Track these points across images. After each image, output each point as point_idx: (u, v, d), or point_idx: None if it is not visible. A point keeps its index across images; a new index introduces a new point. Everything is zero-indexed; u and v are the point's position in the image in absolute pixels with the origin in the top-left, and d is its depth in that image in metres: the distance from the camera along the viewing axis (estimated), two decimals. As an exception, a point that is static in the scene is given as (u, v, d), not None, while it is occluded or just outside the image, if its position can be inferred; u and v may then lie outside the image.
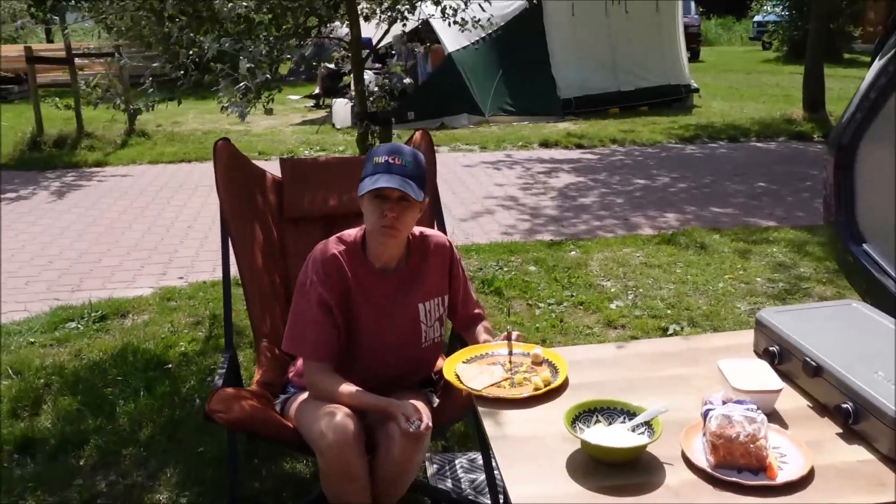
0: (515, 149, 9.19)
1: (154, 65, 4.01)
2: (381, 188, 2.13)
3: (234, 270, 2.69)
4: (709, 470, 1.54)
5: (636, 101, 11.68)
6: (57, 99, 10.16)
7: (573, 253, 5.21)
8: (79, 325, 4.18)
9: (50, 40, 18.84)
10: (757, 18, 24.79)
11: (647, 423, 1.66)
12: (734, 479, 1.50)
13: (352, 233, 2.29)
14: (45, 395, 3.42)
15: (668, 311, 4.20)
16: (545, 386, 1.88)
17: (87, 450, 3.00)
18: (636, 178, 7.75)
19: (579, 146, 9.30)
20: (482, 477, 2.74)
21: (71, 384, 3.49)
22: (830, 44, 16.95)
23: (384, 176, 2.14)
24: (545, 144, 9.37)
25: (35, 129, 9.23)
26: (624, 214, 6.41)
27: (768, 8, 23.01)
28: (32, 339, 4.01)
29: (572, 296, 4.41)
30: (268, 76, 3.32)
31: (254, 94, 3.35)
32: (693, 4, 22.05)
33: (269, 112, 4.10)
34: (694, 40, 20.72)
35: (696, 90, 12.53)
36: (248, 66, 3.36)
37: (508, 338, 2.12)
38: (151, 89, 3.78)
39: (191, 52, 3.60)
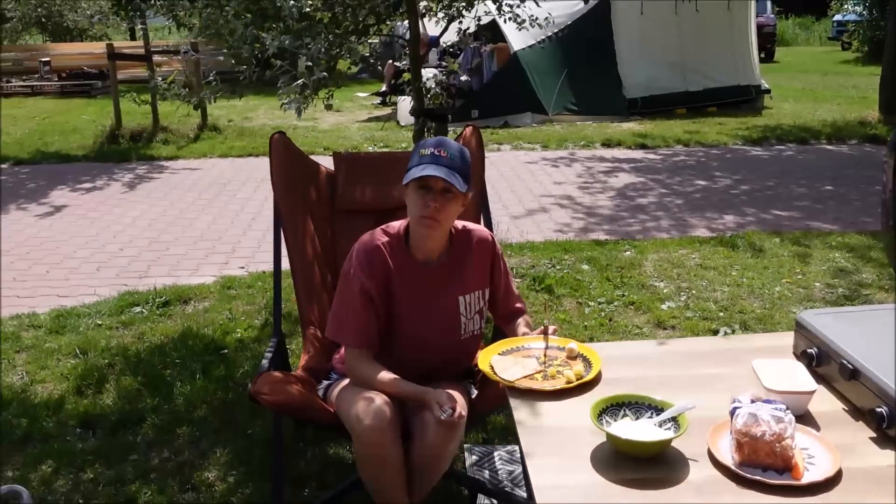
0: (578, 148, 9.14)
1: (220, 59, 4.15)
2: (425, 177, 2.18)
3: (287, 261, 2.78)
4: (733, 468, 1.53)
5: (704, 101, 11.46)
6: (135, 94, 10.58)
7: (628, 253, 5.18)
8: (143, 310, 4.36)
9: (133, 38, 19.58)
10: (837, 18, 23.98)
11: (674, 419, 1.67)
12: (758, 477, 1.50)
13: (396, 224, 2.35)
14: (109, 374, 3.59)
15: (721, 314, 4.14)
16: (577, 380, 1.90)
17: (144, 427, 3.15)
18: (697, 179, 7.63)
19: (642, 146, 9.19)
20: (519, 468, 2.77)
21: (132, 365, 3.65)
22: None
23: (429, 167, 2.19)
24: (608, 144, 9.30)
25: (114, 123, 9.61)
26: (682, 215, 6.32)
27: (849, 7, 22.23)
28: (100, 322, 4.21)
29: (623, 295, 4.39)
30: (325, 74, 3.40)
31: (311, 90, 3.44)
32: (769, 4, 21.47)
33: (328, 108, 4.19)
34: (769, 40, 20.19)
35: (768, 91, 12.21)
36: (307, 63, 3.45)
37: (545, 332, 2.15)
38: (215, 82, 3.92)
39: (253, 49, 3.71)
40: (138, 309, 4.38)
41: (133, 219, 6.46)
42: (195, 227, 6.20)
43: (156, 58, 10.13)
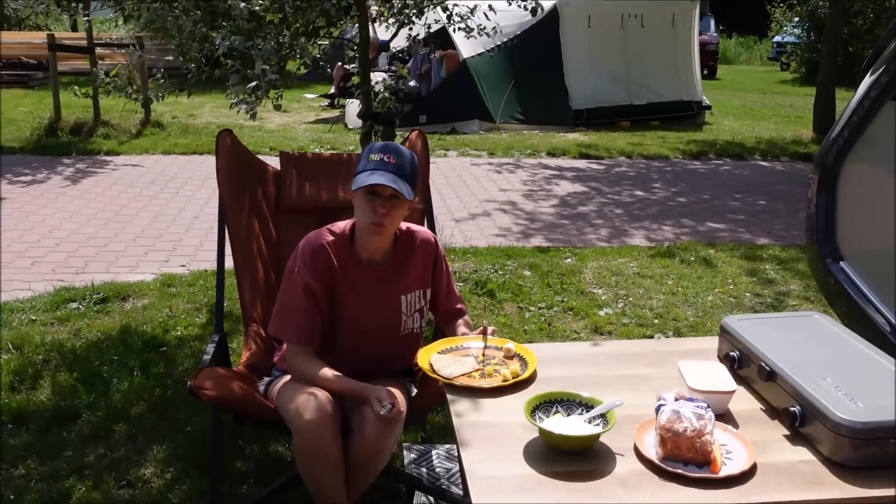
0: (523, 156, 9.28)
1: (167, 57, 4.11)
2: (374, 185, 2.22)
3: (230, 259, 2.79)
4: (656, 461, 1.62)
5: (648, 115, 11.73)
6: (76, 87, 10.32)
7: (568, 260, 5.29)
8: (80, 306, 4.29)
9: (75, 29, 19.10)
10: (777, 39, 24.77)
11: (603, 416, 1.75)
12: (679, 470, 1.58)
13: (341, 224, 2.38)
14: (43, 370, 3.53)
15: (656, 321, 4.27)
16: (513, 378, 1.97)
17: (80, 424, 3.11)
18: (637, 189, 7.83)
19: (586, 156, 9.38)
20: (457, 467, 2.83)
21: (68, 361, 3.60)
22: (847, 67, 16.96)
23: (378, 173, 2.23)
24: (553, 154, 9.46)
25: (53, 116, 9.38)
26: (620, 224, 6.49)
27: (788, 29, 22.99)
28: (34, 317, 4.12)
29: (563, 301, 4.49)
30: (277, 76, 3.41)
31: (263, 92, 3.44)
32: (713, 22, 22.07)
33: (277, 108, 4.19)
34: (711, 58, 20.73)
35: (709, 107, 12.57)
36: (262, 66, 3.45)
37: (484, 332, 2.21)
38: (163, 80, 3.88)
39: (202, 48, 3.69)
40: (74, 305, 4.31)
41: (71, 214, 6.33)
42: (135, 224, 6.11)
43: (99, 50, 9.94)
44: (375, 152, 2.29)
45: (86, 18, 8.14)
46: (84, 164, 8.16)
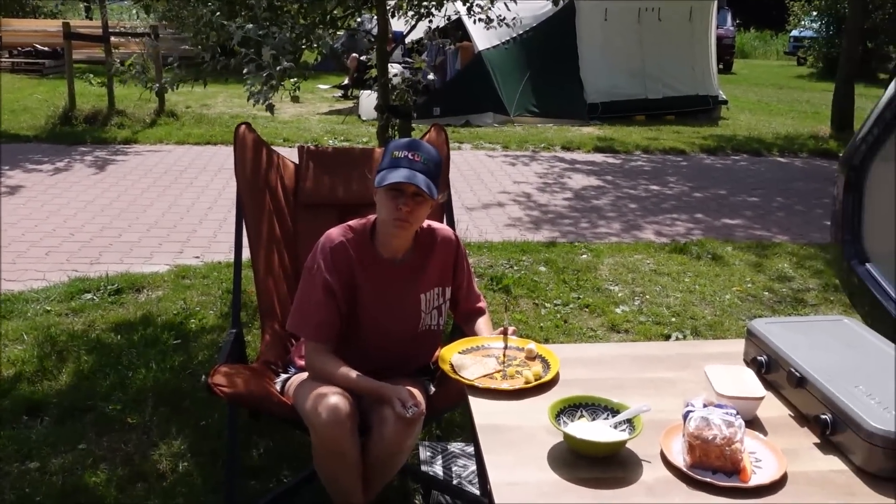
0: (538, 150, 9.23)
1: (183, 47, 4.08)
2: (399, 183, 2.18)
3: (247, 253, 2.77)
4: (684, 469, 1.58)
5: (663, 109, 11.65)
6: (91, 75, 10.33)
7: (584, 256, 5.25)
8: (94, 297, 4.28)
9: (89, 17, 19.12)
10: (794, 33, 24.55)
11: (629, 421, 1.71)
12: (708, 479, 1.55)
13: (361, 221, 2.35)
14: (58, 362, 3.52)
15: (673, 319, 4.23)
16: (535, 380, 1.94)
17: (94, 416, 3.10)
18: (652, 184, 7.77)
19: (601, 150, 9.32)
20: (472, 465, 2.80)
21: (83, 353, 3.59)
22: (866, 63, 16.79)
23: (403, 171, 2.19)
24: (568, 147, 9.40)
25: (68, 104, 9.39)
26: (634, 219, 6.45)
27: (805, 23, 22.78)
28: (49, 308, 4.12)
29: (579, 298, 4.45)
30: (291, 64, 3.37)
31: (277, 80, 3.41)
32: (729, 16, 21.89)
33: (295, 100, 4.15)
34: (728, 52, 20.61)
35: (725, 102, 12.47)
36: (271, 52, 3.41)
37: (505, 332, 2.18)
38: (178, 68, 3.86)
39: (219, 37, 3.67)
40: (89, 296, 4.30)
41: (85, 203, 6.33)
42: (149, 215, 6.10)
43: (113, 39, 9.94)
44: (400, 149, 2.24)
45: (108, 2, 8.10)
46: (98, 154, 8.16)
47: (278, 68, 3.30)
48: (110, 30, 9.66)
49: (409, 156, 2.21)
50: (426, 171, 2.21)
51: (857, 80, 11.41)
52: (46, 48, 14.79)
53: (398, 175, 2.18)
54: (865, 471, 1.58)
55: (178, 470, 2.78)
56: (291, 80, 3.69)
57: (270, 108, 3.53)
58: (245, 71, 3.40)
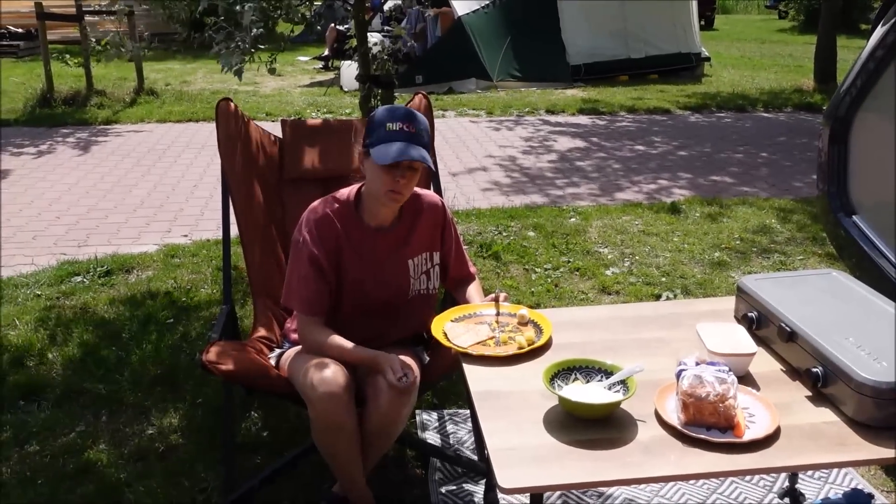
0: (522, 114, 9.19)
1: (156, 20, 4.02)
2: (406, 160, 2.15)
3: (234, 229, 2.75)
4: (679, 427, 1.60)
5: (646, 68, 11.59)
6: (67, 56, 10.16)
7: (573, 219, 5.26)
8: (84, 280, 4.26)
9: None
10: (774, -13, 24.42)
11: (623, 382, 1.73)
12: (702, 436, 1.57)
13: (345, 191, 2.34)
14: (51, 345, 3.51)
15: (663, 279, 4.26)
16: (528, 345, 1.95)
17: (90, 398, 3.10)
18: (638, 144, 7.76)
19: (585, 112, 9.29)
20: (467, 431, 2.83)
21: (75, 336, 3.58)
22: (847, 14, 16.71)
23: (404, 145, 2.16)
24: (552, 111, 9.36)
25: (45, 86, 9.25)
26: (619, 179, 6.45)
27: (785, -24, 22.65)
28: (39, 292, 4.10)
29: (569, 261, 4.47)
30: (261, 30, 3.31)
31: (249, 47, 3.34)
32: (709, -29, 21.71)
33: (272, 72, 4.11)
34: (708, 8, 20.46)
35: (708, 59, 12.41)
36: (252, 18, 3.34)
37: (496, 299, 2.19)
38: (151, 41, 3.79)
39: (191, 11, 3.61)
40: (79, 279, 4.28)
41: (69, 186, 6.27)
42: (135, 195, 6.05)
43: (88, 18, 9.76)
44: (394, 121, 2.19)
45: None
46: (80, 135, 8.06)
47: (252, 33, 3.24)
48: (84, 8, 9.48)
49: (406, 127, 2.19)
50: (422, 142, 2.20)
51: (839, 32, 11.38)
52: (20, 30, 14.53)
53: (399, 149, 2.15)
54: (856, 421, 1.61)
55: (176, 448, 2.79)
56: (269, 53, 3.64)
57: (239, 73, 3.47)
58: (215, 41, 3.34)
